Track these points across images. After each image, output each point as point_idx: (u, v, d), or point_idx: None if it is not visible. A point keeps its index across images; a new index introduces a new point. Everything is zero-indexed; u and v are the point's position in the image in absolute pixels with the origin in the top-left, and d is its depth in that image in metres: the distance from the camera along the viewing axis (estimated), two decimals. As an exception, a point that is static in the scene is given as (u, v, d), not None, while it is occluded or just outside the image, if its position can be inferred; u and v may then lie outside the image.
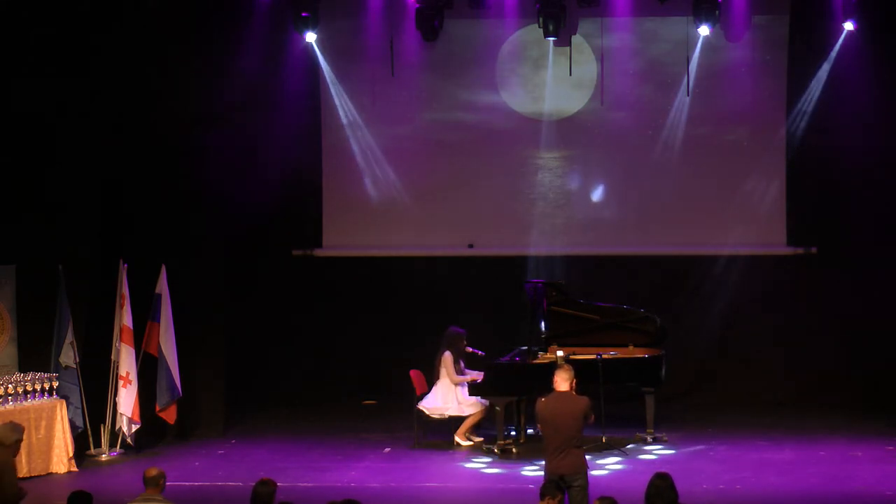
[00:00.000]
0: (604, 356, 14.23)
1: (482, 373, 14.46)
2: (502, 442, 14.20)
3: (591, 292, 15.59)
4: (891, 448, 14.15)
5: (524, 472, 13.32)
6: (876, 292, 16.24)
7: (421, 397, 14.73)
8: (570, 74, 16.65)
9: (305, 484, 12.88)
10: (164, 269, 14.68)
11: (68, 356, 14.11)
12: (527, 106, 17.03)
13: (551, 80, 16.88)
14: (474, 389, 14.48)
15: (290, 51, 16.61)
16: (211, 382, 15.58)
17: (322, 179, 17.31)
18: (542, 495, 9.11)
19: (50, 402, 13.75)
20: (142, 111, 15.10)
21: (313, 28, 15.98)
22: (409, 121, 17.18)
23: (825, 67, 16.30)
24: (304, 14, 15.81)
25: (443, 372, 14.64)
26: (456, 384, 14.59)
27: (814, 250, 16.71)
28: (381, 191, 17.23)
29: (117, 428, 14.51)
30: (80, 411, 14.21)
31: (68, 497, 8.91)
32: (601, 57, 16.69)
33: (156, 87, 15.05)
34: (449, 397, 14.58)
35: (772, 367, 16.85)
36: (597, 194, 17.13)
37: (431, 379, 14.78)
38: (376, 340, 17.20)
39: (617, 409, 14.68)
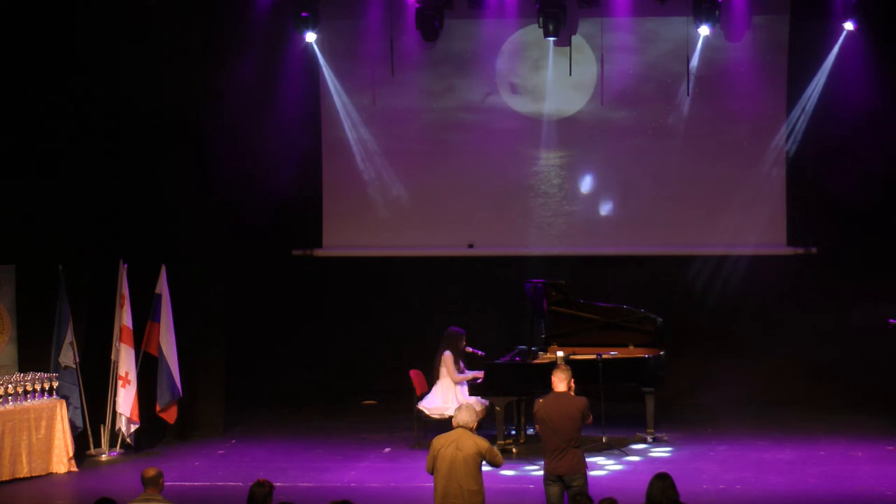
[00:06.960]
0: (604, 356, 14.23)
1: (482, 372, 14.46)
2: (502, 442, 14.18)
3: (591, 292, 15.58)
4: (891, 448, 14.16)
5: (524, 472, 13.32)
6: (876, 292, 16.23)
7: (421, 397, 14.73)
8: (570, 74, 16.65)
9: (305, 484, 12.89)
10: (164, 269, 14.68)
11: (68, 356, 14.10)
12: (527, 106, 17.03)
13: (551, 80, 16.88)
14: (474, 389, 14.48)
15: (290, 51, 16.61)
16: (211, 382, 15.58)
17: (322, 179, 17.31)
18: None
19: (50, 402, 13.75)
20: (141, 111, 15.08)
21: (313, 28, 15.99)
22: (409, 121, 17.17)
23: (825, 67, 16.31)
24: (304, 14, 15.83)
25: (443, 372, 14.63)
26: (456, 384, 14.59)
27: (814, 250, 16.71)
28: (380, 190, 17.22)
29: (117, 428, 14.52)
30: (79, 411, 14.20)
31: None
32: (601, 57, 16.68)
33: (155, 86, 15.03)
34: (449, 397, 14.56)
35: (771, 367, 16.83)
36: (596, 194, 17.12)
37: (431, 379, 14.78)
38: (376, 340, 17.21)
39: (617, 409, 14.68)
